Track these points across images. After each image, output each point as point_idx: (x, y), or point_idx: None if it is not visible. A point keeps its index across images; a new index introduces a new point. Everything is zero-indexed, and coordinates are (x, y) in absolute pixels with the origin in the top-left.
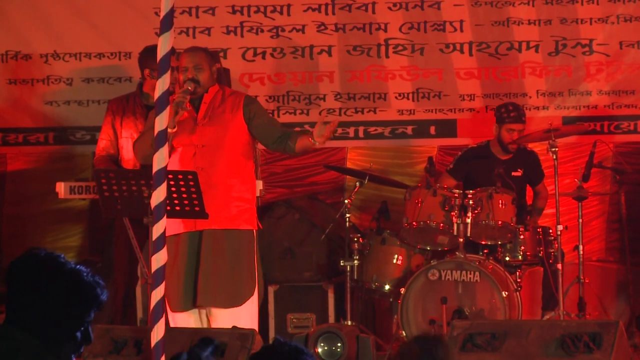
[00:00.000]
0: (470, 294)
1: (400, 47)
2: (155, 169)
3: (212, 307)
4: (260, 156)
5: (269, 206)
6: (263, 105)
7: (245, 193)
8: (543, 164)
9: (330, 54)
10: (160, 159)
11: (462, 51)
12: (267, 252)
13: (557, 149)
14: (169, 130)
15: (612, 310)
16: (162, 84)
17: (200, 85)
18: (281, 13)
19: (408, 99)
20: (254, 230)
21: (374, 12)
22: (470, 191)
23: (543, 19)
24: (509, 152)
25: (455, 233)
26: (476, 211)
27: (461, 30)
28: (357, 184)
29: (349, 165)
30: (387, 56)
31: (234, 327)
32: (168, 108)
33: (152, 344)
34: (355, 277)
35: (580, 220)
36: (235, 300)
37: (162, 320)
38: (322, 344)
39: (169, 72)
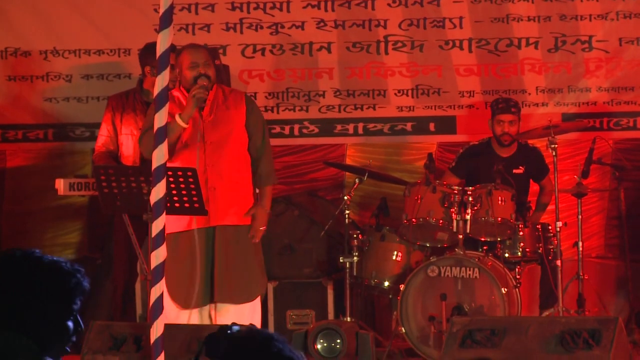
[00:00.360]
0: (469, 291)
1: (399, 44)
2: (154, 165)
3: (225, 303)
4: None
5: None
6: (262, 102)
7: (249, 189)
8: None
9: (329, 51)
10: (160, 156)
11: (461, 48)
12: (267, 248)
13: (556, 146)
14: (184, 126)
15: (611, 307)
16: (161, 81)
17: (211, 81)
18: (280, 10)
19: (407, 95)
20: None
21: (373, 9)
22: (470, 188)
23: (542, 16)
24: (502, 147)
25: (454, 229)
26: (475, 208)
27: (460, 27)
28: (357, 180)
29: (348, 161)
30: (386, 53)
31: (233, 324)
32: (167, 105)
33: (152, 340)
34: (355, 273)
35: (580, 217)
36: (249, 295)
37: (162, 317)
38: (321, 341)
39: (168, 68)
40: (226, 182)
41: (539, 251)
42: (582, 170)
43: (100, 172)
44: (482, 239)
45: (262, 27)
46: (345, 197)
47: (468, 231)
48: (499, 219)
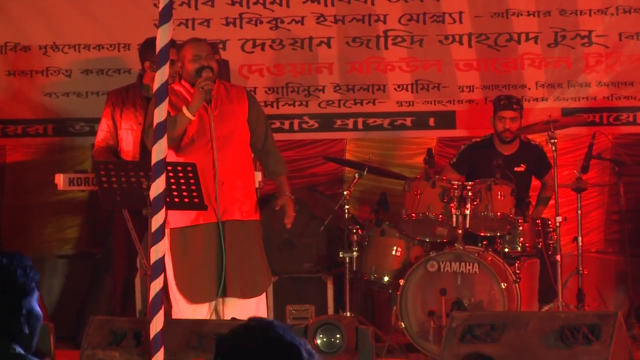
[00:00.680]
0: (469, 286)
1: (399, 39)
2: (154, 160)
3: (232, 298)
4: None
5: (267, 198)
6: (262, 97)
7: (251, 184)
8: None
9: (329, 46)
10: (159, 151)
11: (461, 43)
12: (266, 243)
13: (556, 141)
14: (191, 118)
15: (611, 302)
16: (161, 76)
17: (214, 72)
18: (280, 5)
19: (407, 90)
20: (260, 221)
21: (373, 4)
22: (469, 183)
23: (542, 11)
24: (503, 144)
25: (454, 224)
26: (475, 203)
27: (460, 22)
28: (356, 175)
29: (348, 156)
30: (386, 48)
31: (233, 319)
32: (167, 99)
33: (151, 335)
34: (355, 268)
35: (580, 212)
36: (257, 290)
37: (161, 312)
38: (321, 336)
39: (167, 63)
40: (233, 176)
41: (539, 246)
42: (582, 165)
43: (100, 167)
44: (482, 234)
45: (261, 22)
46: (345, 192)
47: (467, 226)
48: (499, 214)
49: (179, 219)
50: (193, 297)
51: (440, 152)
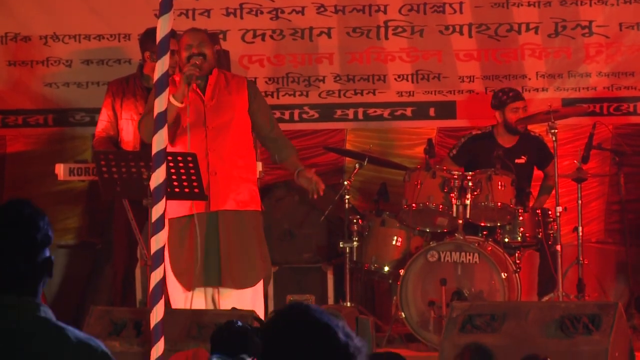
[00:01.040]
0: (469, 276)
1: (399, 29)
2: (154, 150)
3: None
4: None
5: (268, 188)
6: (263, 87)
7: (250, 174)
8: None
9: (329, 36)
10: (160, 141)
11: (461, 33)
12: (267, 233)
13: (556, 131)
14: (178, 105)
15: (611, 292)
16: (161, 66)
17: (207, 60)
18: None
19: (407, 80)
20: (260, 212)
21: None
22: (470, 173)
23: (542, 1)
24: (515, 135)
25: (454, 215)
26: (475, 193)
27: (461, 12)
28: (357, 165)
29: (348, 146)
30: (386, 38)
31: (233, 309)
32: (167, 89)
33: (152, 325)
34: (355, 258)
35: (580, 202)
36: (250, 280)
37: (162, 302)
38: None
39: (168, 54)
40: (228, 167)
41: (539, 236)
42: (582, 156)
43: (100, 157)
44: (482, 224)
45: (262, 12)
46: (345, 182)
47: (468, 216)
48: (499, 204)
49: (173, 209)
50: (187, 284)
51: (440, 142)
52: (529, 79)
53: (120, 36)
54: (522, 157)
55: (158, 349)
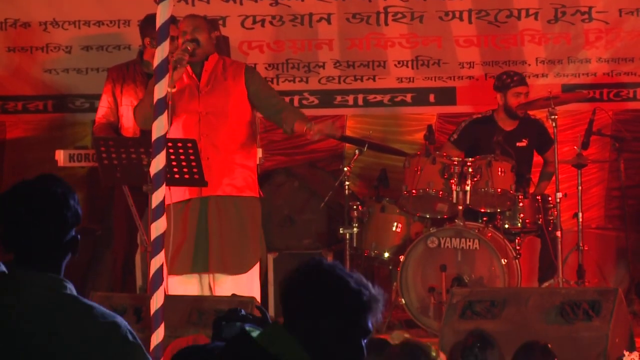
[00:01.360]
0: (469, 262)
1: (399, 15)
2: (154, 136)
3: (220, 274)
4: (259, 124)
5: (268, 174)
6: (262, 73)
7: (248, 160)
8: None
9: (329, 22)
10: (160, 127)
11: (461, 19)
12: (267, 219)
13: (556, 117)
14: (169, 89)
15: (611, 278)
16: (161, 52)
17: (200, 45)
18: None
19: (407, 66)
20: (257, 198)
21: None
22: (469, 159)
23: None
24: (515, 120)
25: (454, 201)
26: (475, 179)
27: None
28: (357, 151)
29: (348, 133)
30: (386, 24)
31: (234, 295)
32: (167, 76)
33: (152, 312)
34: (355, 244)
35: (580, 188)
36: (241, 267)
37: (162, 288)
38: None
39: (167, 40)
40: (222, 153)
41: (539, 222)
42: (582, 142)
43: (100, 144)
44: (482, 210)
45: None
46: (345, 169)
47: (468, 202)
48: (499, 190)
49: (174, 194)
50: (179, 269)
51: (440, 128)
52: (529, 64)
53: (120, 22)
54: (524, 140)
55: (158, 335)
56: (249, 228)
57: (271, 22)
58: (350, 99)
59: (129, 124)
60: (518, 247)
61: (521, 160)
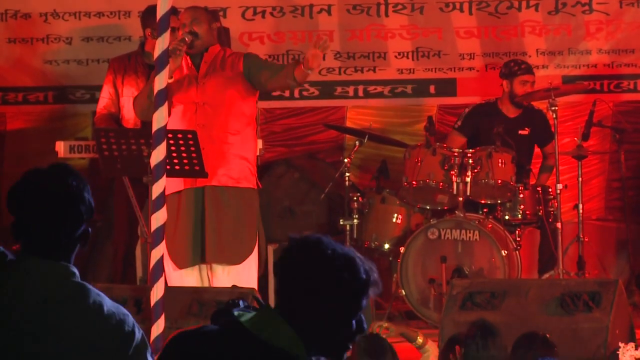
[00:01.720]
0: (469, 253)
1: (399, 6)
2: (155, 127)
3: (216, 264)
4: (259, 115)
5: (268, 165)
6: None
7: (246, 152)
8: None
9: (329, 13)
10: (160, 118)
11: (461, 10)
12: (267, 211)
13: (556, 108)
14: None
15: (611, 269)
16: (161, 43)
17: (199, 37)
18: None
19: (408, 58)
20: (255, 189)
21: None
22: (470, 150)
23: None
24: (518, 108)
25: (454, 192)
26: (476, 170)
27: None
28: (357, 143)
29: (348, 124)
30: (386, 15)
31: (234, 286)
32: (168, 67)
33: (152, 303)
34: (355, 236)
35: (580, 179)
36: (238, 257)
37: (162, 279)
38: None
39: (168, 31)
40: (217, 143)
41: (539, 213)
42: (583, 133)
43: (101, 135)
44: (482, 202)
45: None
46: (346, 160)
47: (468, 193)
48: (499, 181)
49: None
50: (179, 263)
51: (440, 119)
52: (529, 56)
53: (120, 13)
54: (526, 128)
55: (158, 326)
56: (245, 218)
57: (272, 14)
58: (350, 90)
59: (130, 115)
60: (518, 239)
61: (522, 149)
